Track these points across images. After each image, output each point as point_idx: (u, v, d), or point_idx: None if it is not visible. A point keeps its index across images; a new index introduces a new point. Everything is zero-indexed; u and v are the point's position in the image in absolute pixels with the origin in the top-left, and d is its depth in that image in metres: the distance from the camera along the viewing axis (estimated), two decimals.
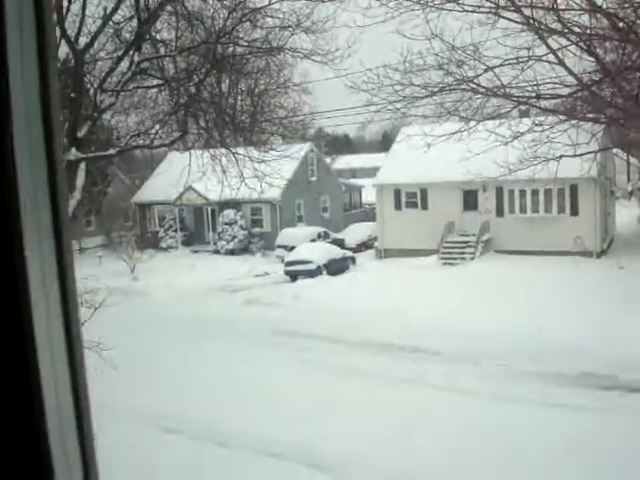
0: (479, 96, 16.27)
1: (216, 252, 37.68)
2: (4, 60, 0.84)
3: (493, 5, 14.78)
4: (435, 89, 16.11)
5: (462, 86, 15.95)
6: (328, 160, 51.88)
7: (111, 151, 17.42)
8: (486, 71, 15.59)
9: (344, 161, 70.84)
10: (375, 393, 14.61)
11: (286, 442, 11.99)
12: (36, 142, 0.91)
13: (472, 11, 14.67)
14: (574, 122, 18.50)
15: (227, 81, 18.43)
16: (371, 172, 60.38)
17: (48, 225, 0.95)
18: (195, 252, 38.66)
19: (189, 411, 13.79)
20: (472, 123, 17.16)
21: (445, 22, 15.92)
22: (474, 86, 15.90)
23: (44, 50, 0.89)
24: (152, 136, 18.05)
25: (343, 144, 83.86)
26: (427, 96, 16.48)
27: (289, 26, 17.41)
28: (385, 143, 77.21)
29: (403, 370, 16.26)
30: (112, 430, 9.72)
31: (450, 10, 14.92)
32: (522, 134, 17.52)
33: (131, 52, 16.66)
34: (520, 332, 18.12)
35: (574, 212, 30.53)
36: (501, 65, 15.55)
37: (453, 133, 17.50)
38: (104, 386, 10.34)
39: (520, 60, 15.30)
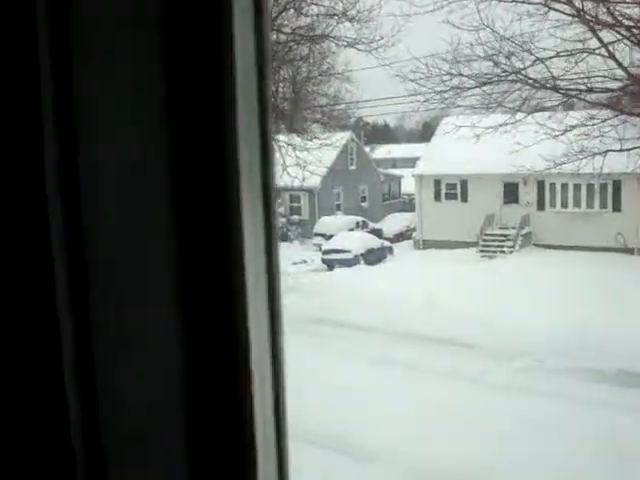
0: (527, 88, 16.04)
1: None
2: (231, 39, 0.84)
3: None
4: (484, 80, 15.93)
5: (510, 77, 15.74)
6: (367, 149, 51.68)
7: None
8: (535, 63, 15.37)
9: (384, 150, 70.39)
10: (410, 384, 14.62)
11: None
12: (252, 119, 0.90)
13: (522, 2, 14.48)
14: (622, 117, 18.16)
15: (278, 68, 18.44)
16: (410, 162, 59.90)
17: (259, 196, 0.92)
18: None
19: None
20: (519, 115, 16.95)
21: (495, 12, 15.79)
22: (522, 77, 15.69)
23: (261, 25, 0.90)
24: None
25: (383, 133, 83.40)
26: (476, 87, 16.33)
27: (334, 14, 17.40)
28: (425, 133, 76.55)
29: (439, 362, 16.23)
30: None
31: (500, 1, 14.76)
32: (574, 127, 17.22)
33: None
34: (558, 328, 17.93)
35: (616, 208, 30.07)
36: (552, 57, 15.33)
37: (500, 125, 17.30)
38: None
39: (572, 52, 15.07)
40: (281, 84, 18.06)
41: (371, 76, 23.98)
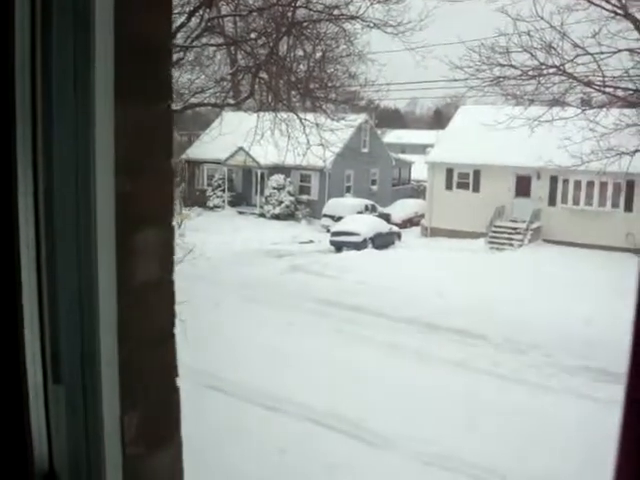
0: (563, 82, 15.96)
1: (262, 215, 37.78)
2: None
3: None
4: (532, 72, 15.85)
5: (549, 71, 15.63)
6: (379, 132, 51.44)
7: (175, 106, 17.45)
8: (575, 58, 15.28)
9: (393, 135, 70.18)
10: (411, 371, 14.63)
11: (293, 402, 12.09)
12: None
13: None
14: None
15: (295, 44, 18.31)
16: (420, 148, 59.85)
17: None
18: (241, 213, 38.81)
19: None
20: (555, 110, 16.86)
21: (538, 4, 15.69)
22: (560, 71, 15.60)
23: None
24: (217, 95, 18.14)
25: (393, 118, 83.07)
26: (522, 78, 16.22)
27: None
28: (437, 120, 76.39)
29: (445, 351, 16.25)
30: None
31: None
32: (631, 125, 17.00)
33: (201, 9, 16.59)
34: (564, 324, 17.94)
35: (628, 208, 30.00)
36: (595, 54, 15.22)
37: (537, 119, 17.18)
38: None
39: (621, 50, 14.98)
40: (308, 62, 17.93)
41: (391, 59, 23.81)
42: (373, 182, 41.95)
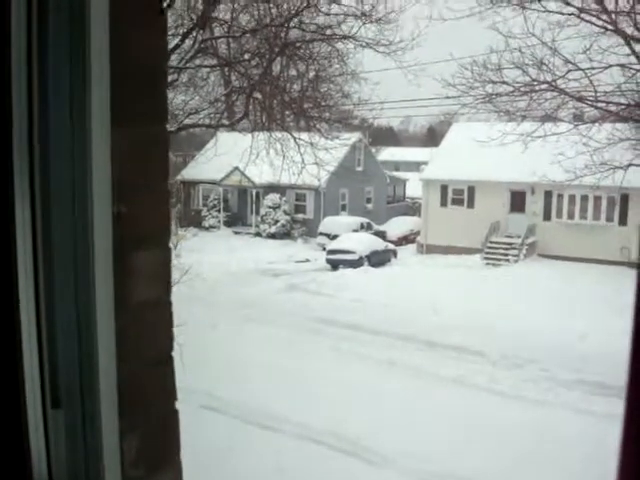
0: (555, 98, 16.08)
1: (257, 235, 37.79)
2: None
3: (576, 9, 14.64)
4: (524, 89, 15.95)
5: (541, 87, 15.74)
6: (373, 150, 51.59)
7: (169, 127, 17.52)
8: (566, 74, 15.39)
9: (387, 153, 70.39)
10: (409, 388, 14.57)
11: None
12: None
13: (553, 11, 14.49)
14: None
15: (289, 64, 18.40)
16: (414, 166, 60.00)
17: None
18: (236, 233, 38.81)
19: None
20: (548, 125, 16.96)
21: (529, 21, 15.94)
22: (552, 87, 15.72)
23: None
24: (211, 116, 18.22)
25: (387, 136, 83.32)
26: (514, 94, 16.31)
27: (355, 14, 17.35)
28: (430, 137, 76.65)
29: (443, 368, 16.20)
30: None
31: (532, 10, 14.80)
32: (624, 140, 17.11)
33: (195, 31, 16.67)
34: (560, 339, 17.94)
35: (623, 222, 30.09)
36: (586, 69, 15.34)
37: (530, 135, 17.27)
38: None
39: (612, 65, 15.10)
40: (301, 82, 18.01)
41: (383, 78, 23.96)
42: (368, 200, 42.01)
